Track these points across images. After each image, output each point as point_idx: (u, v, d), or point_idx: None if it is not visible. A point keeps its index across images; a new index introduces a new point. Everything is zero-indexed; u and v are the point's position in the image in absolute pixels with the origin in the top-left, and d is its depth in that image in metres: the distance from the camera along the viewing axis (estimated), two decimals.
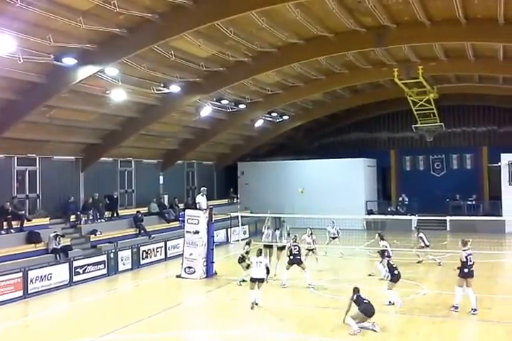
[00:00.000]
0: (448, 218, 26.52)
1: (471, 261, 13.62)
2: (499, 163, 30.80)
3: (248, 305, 14.31)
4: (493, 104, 34.07)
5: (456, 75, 28.12)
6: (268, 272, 14.71)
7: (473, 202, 32.07)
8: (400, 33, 19.18)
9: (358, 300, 12.12)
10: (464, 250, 13.81)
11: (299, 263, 16.91)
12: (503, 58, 22.35)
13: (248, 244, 17.91)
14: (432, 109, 28.57)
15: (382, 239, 18.71)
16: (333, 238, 22.82)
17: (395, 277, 13.62)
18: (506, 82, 27.80)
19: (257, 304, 14.30)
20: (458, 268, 13.82)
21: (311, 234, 19.90)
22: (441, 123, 30.28)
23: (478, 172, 34.78)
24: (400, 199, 33.78)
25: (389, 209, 33.50)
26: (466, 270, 13.55)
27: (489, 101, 33.33)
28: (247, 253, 17.30)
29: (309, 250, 19.85)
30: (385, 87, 30.01)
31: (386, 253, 13.99)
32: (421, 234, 20.24)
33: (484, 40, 19.76)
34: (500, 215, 28.19)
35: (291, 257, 16.94)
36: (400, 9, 17.68)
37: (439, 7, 17.40)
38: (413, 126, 31.04)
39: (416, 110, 28.78)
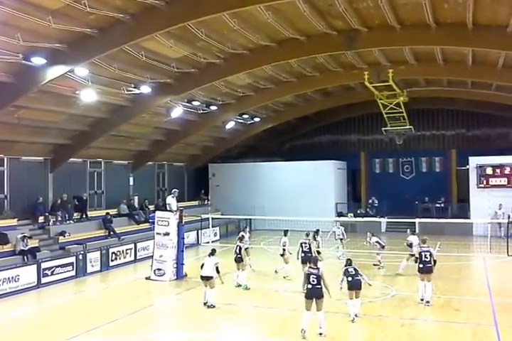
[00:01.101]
0: (417, 220, 26.83)
1: (426, 257, 14.54)
2: (467, 166, 31.27)
3: (219, 306, 14.35)
4: (461, 108, 34.63)
5: (426, 79, 28.53)
6: (218, 272, 14.60)
7: (442, 205, 32.50)
8: (371, 36, 19.33)
9: (307, 278, 12.12)
10: (420, 247, 14.97)
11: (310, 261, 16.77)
12: (472, 63, 22.73)
13: (241, 238, 18.04)
14: (402, 112, 28.91)
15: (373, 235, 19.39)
16: (341, 239, 22.14)
17: (347, 284, 13.29)
18: (475, 87, 28.26)
19: (205, 303, 14.55)
20: (415, 261, 14.98)
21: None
22: (411, 127, 30.69)
23: (447, 175, 35.33)
24: (370, 201, 34.16)
25: (359, 212, 33.77)
26: (421, 265, 14.60)
27: (458, 105, 33.86)
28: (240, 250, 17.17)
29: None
30: (355, 89, 30.29)
31: (349, 262, 13.88)
32: (375, 239, 20.08)
33: (453, 45, 20.03)
34: (468, 218, 28.66)
35: (303, 255, 16.80)
36: (370, 13, 17.85)
37: (410, 11, 17.59)
38: (383, 128, 31.43)
39: (386, 113, 29.10)
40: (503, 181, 30.25)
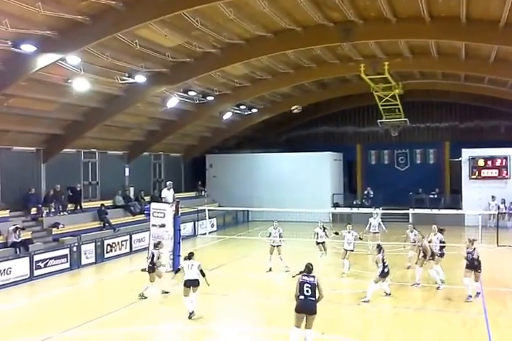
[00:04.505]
0: (411, 211, 27.06)
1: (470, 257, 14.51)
2: (460, 158, 31.60)
3: (213, 297, 14.27)
4: (455, 101, 34.76)
5: (421, 72, 28.51)
6: (203, 275, 12.95)
7: (435, 196, 32.76)
8: (367, 28, 19.22)
9: (300, 283, 10.24)
10: (467, 248, 14.72)
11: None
12: (465, 56, 22.74)
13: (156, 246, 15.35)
14: (397, 105, 29.03)
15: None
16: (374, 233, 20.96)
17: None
18: (468, 80, 28.38)
19: (191, 313, 12.75)
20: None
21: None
22: (406, 119, 30.85)
23: (441, 166, 35.61)
24: (366, 192, 34.37)
25: (354, 202, 34.05)
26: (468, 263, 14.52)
27: (452, 97, 34.03)
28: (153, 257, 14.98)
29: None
30: (351, 81, 30.19)
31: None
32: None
33: (447, 39, 19.98)
34: (461, 208, 29.40)
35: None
36: (366, 5, 17.73)
37: (405, 4, 17.50)
38: (378, 120, 31.51)
39: (381, 105, 29.18)
40: (494, 173, 30.73)
